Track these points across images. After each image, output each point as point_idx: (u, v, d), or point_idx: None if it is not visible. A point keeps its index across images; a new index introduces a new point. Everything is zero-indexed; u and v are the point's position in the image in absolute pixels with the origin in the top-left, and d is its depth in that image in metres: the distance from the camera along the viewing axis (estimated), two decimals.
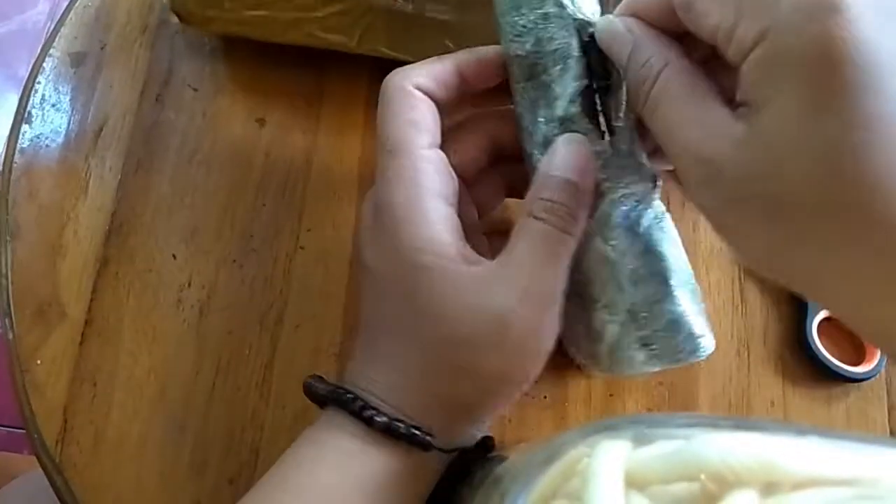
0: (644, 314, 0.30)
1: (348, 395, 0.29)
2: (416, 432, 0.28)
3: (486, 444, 0.31)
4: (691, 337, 0.30)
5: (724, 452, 0.15)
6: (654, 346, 0.30)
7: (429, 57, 0.31)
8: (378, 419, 0.28)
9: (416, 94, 0.30)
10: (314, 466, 0.29)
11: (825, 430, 0.15)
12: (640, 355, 0.30)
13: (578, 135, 0.29)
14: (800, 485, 0.14)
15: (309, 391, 0.31)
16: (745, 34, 0.22)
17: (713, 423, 0.16)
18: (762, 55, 0.22)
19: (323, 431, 0.29)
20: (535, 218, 0.28)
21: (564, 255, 0.28)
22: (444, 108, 0.31)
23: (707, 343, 0.31)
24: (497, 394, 0.29)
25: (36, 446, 0.36)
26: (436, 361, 0.28)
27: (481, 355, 0.27)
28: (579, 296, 0.30)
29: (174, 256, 0.39)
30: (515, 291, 0.27)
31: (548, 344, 0.29)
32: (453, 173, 0.30)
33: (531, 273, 0.27)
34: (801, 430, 0.15)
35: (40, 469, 0.36)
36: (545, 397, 0.38)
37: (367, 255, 0.30)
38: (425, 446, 0.28)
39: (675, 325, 0.30)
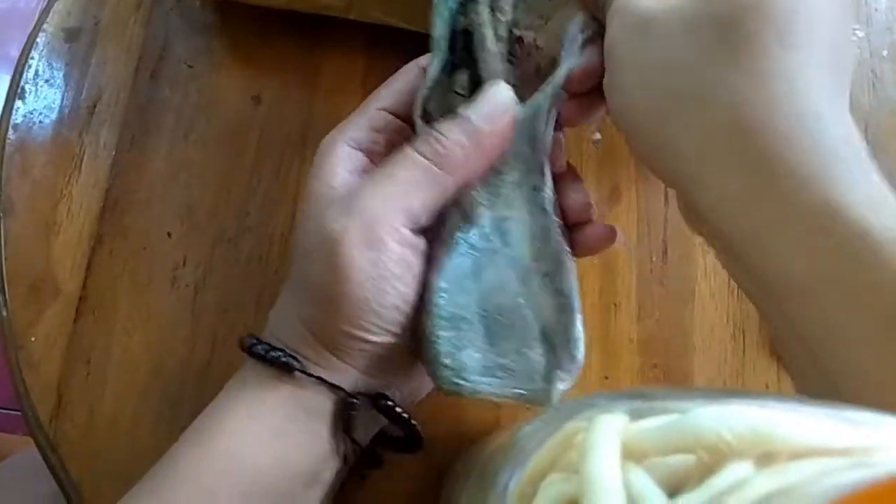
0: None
1: (247, 336, 0.30)
2: (278, 354, 0.28)
3: (381, 402, 0.30)
4: (444, 367, 0.28)
5: (721, 424, 0.15)
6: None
7: (421, 22, 0.31)
8: (248, 343, 0.29)
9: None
10: (223, 410, 0.30)
11: (823, 401, 0.15)
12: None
13: (505, 85, 0.28)
14: (796, 455, 0.14)
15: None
16: None
17: (710, 396, 0.16)
18: None
19: (235, 378, 0.31)
20: (409, 146, 0.27)
21: (423, 191, 0.27)
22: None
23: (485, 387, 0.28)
24: (341, 317, 0.27)
25: (30, 423, 0.36)
26: (294, 278, 0.30)
27: (314, 269, 0.27)
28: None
29: (169, 234, 0.39)
30: (354, 209, 0.27)
31: (386, 277, 0.27)
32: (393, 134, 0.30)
33: (376, 196, 0.27)
34: (799, 403, 0.15)
35: (35, 448, 0.36)
36: None
37: None
38: (288, 369, 0.28)
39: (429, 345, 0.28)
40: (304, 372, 0.28)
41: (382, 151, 0.30)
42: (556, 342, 0.28)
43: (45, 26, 0.42)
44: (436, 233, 0.29)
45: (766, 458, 0.14)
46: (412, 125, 0.30)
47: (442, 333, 0.28)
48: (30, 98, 0.41)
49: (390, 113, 0.30)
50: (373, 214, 0.27)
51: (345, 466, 0.31)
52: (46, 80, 0.41)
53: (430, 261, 0.29)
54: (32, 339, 0.37)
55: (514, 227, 0.29)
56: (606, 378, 0.38)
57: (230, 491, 0.27)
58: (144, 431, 0.36)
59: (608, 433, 0.16)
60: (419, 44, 0.31)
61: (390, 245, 0.27)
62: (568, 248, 0.29)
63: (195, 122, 0.41)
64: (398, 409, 0.31)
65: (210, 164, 0.40)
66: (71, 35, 0.42)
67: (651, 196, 0.42)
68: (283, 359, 0.28)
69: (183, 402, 0.36)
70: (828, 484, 0.13)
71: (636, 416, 0.17)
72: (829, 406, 0.15)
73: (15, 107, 0.41)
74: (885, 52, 0.44)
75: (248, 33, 0.42)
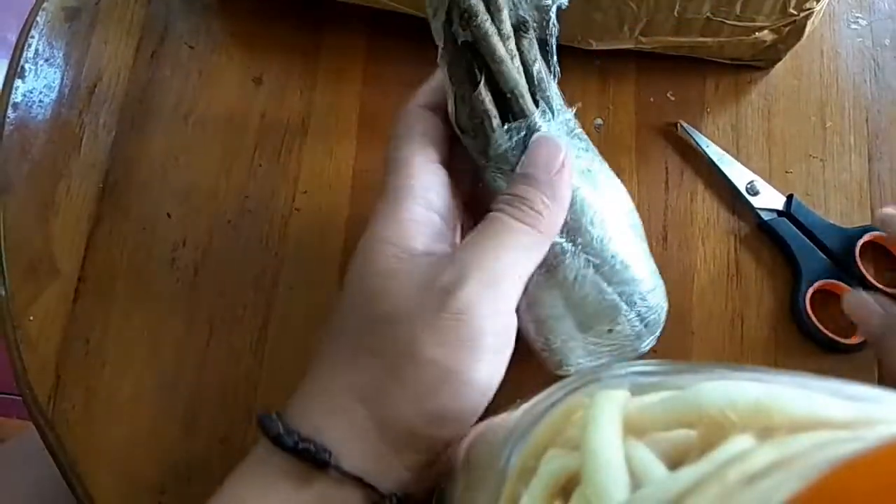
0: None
1: (266, 416, 0.26)
2: (308, 446, 0.25)
3: None
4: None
5: (723, 399, 0.15)
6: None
7: (423, 7, 0.30)
8: (272, 428, 0.25)
9: (422, 111, 0.30)
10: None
11: (825, 378, 0.15)
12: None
13: (546, 133, 0.28)
14: (797, 429, 0.14)
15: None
16: None
17: (711, 370, 0.16)
18: None
19: (246, 465, 0.27)
20: (492, 210, 0.28)
21: (520, 248, 0.27)
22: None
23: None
24: (433, 392, 0.25)
25: (28, 402, 0.36)
26: (355, 342, 0.26)
27: (417, 332, 0.25)
28: None
29: (168, 215, 0.39)
30: (460, 271, 0.26)
31: (494, 337, 0.26)
32: (452, 190, 0.29)
33: (480, 257, 0.26)
34: (800, 378, 0.15)
35: (32, 431, 0.36)
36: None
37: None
38: (321, 465, 0.25)
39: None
40: (339, 470, 0.25)
41: (450, 210, 0.29)
42: (640, 311, 0.31)
43: (45, 5, 0.42)
44: None
45: (767, 431, 0.14)
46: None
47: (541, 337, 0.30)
48: (29, 77, 0.41)
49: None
50: (493, 286, 0.26)
51: None
52: (46, 60, 0.41)
53: None
54: (31, 318, 0.37)
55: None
56: None
57: None
58: (142, 412, 0.36)
59: (609, 408, 0.16)
60: (420, 27, 0.31)
61: (510, 320, 0.27)
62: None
63: (195, 103, 0.40)
64: None
65: (210, 146, 0.40)
66: (71, 14, 0.42)
67: (652, 183, 0.42)
68: (318, 455, 0.25)
69: (181, 384, 0.36)
70: (826, 455, 0.13)
71: (637, 391, 0.17)
72: (830, 381, 0.15)
73: (15, 86, 0.40)
74: (886, 41, 0.44)
75: (249, 14, 0.42)
